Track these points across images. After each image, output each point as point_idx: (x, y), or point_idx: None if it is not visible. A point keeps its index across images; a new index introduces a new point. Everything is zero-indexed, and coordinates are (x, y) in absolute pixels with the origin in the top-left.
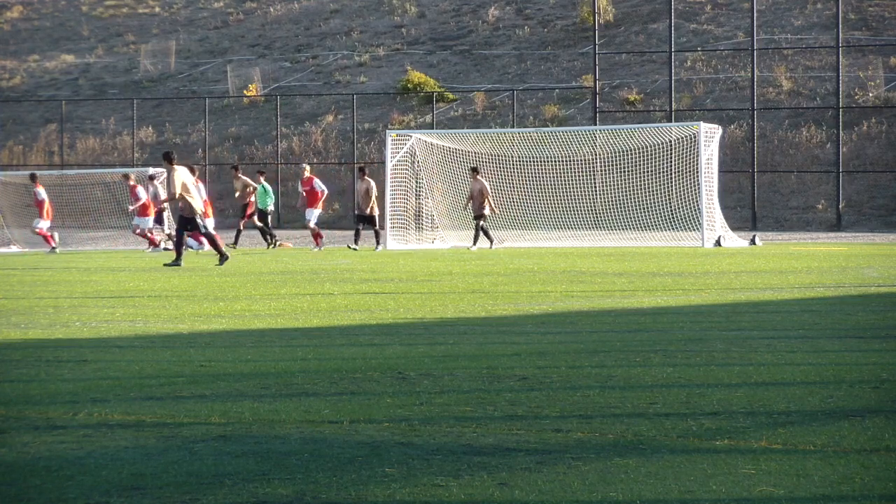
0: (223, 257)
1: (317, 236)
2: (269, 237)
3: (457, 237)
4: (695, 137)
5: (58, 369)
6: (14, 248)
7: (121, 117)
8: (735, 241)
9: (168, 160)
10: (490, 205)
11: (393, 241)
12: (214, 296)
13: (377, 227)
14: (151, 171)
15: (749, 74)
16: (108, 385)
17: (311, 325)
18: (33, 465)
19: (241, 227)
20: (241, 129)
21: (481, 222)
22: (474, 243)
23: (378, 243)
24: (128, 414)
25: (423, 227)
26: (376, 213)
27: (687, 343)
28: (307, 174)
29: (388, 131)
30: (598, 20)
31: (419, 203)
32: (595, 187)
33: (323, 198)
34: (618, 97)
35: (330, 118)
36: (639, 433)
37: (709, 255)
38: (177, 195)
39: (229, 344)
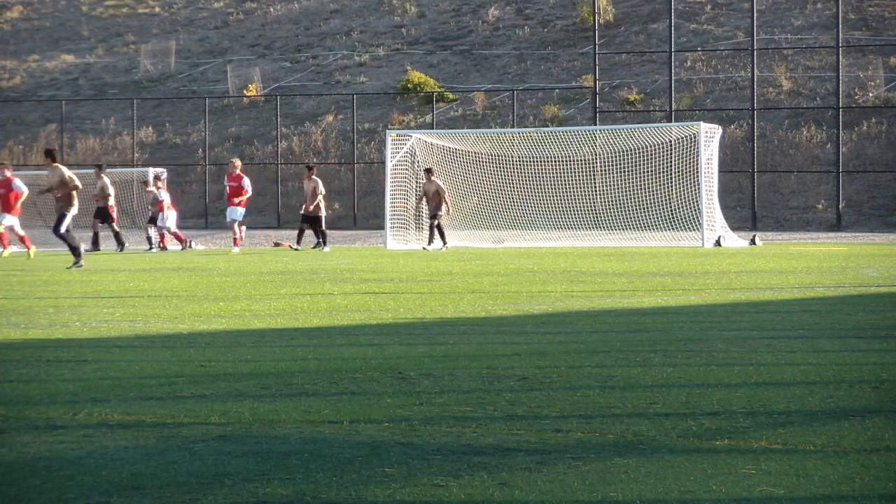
0: (77, 261)
1: (236, 238)
2: (316, 236)
3: (457, 237)
4: (695, 137)
5: (58, 369)
6: (14, 249)
7: (121, 117)
8: (735, 241)
9: (52, 157)
10: (447, 205)
11: (393, 241)
12: (214, 296)
13: (322, 227)
14: (153, 171)
15: (749, 74)
16: (108, 385)
17: (311, 325)
18: (33, 465)
19: (117, 229)
20: (241, 129)
21: (436, 222)
22: (429, 243)
23: (324, 244)
24: (128, 414)
25: (424, 227)
26: (321, 213)
27: (687, 343)
28: (238, 171)
29: (388, 131)
30: (598, 20)
31: (419, 203)
32: (595, 187)
33: (246, 196)
34: (618, 97)
35: (330, 118)
36: (639, 433)
37: (709, 255)
38: (80, 185)
39: (229, 344)
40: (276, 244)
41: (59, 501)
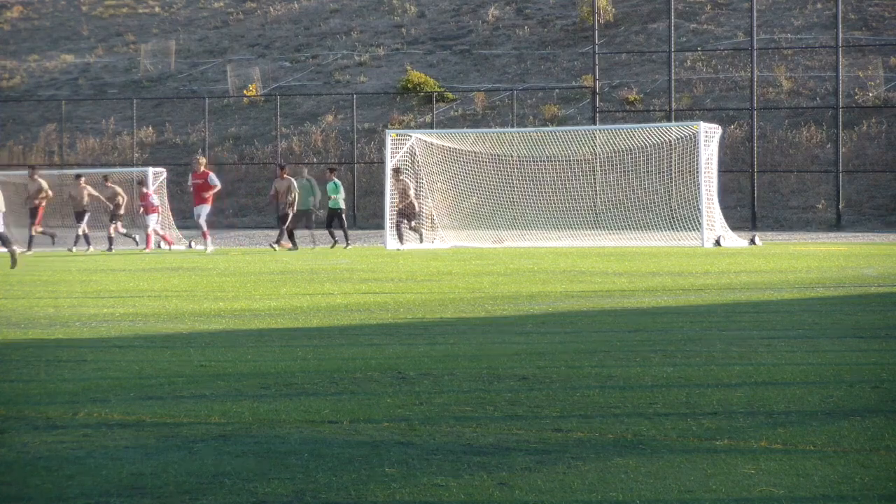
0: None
1: (205, 234)
2: (342, 235)
3: (456, 237)
4: (694, 137)
5: (58, 369)
6: (14, 249)
7: (121, 117)
8: (735, 240)
9: None
10: (411, 201)
11: (393, 240)
12: (214, 296)
13: (284, 225)
14: (153, 171)
15: (749, 74)
16: (108, 385)
17: (311, 325)
18: (33, 465)
19: (34, 233)
20: (241, 128)
21: (413, 222)
22: (421, 241)
23: (278, 243)
24: (127, 414)
25: (423, 227)
26: (290, 212)
27: (687, 343)
28: (202, 168)
29: (387, 131)
30: (598, 20)
31: (419, 203)
32: (595, 187)
33: (213, 192)
34: (617, 97)
35: (330, 118)
36: (639, 433)
37: (708, 254)
38: None
39: (229, 344)
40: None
41: (59, 501)
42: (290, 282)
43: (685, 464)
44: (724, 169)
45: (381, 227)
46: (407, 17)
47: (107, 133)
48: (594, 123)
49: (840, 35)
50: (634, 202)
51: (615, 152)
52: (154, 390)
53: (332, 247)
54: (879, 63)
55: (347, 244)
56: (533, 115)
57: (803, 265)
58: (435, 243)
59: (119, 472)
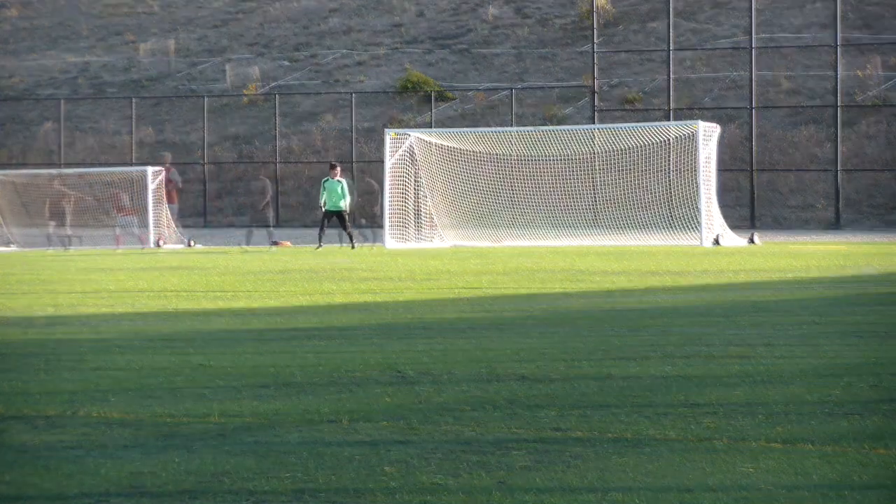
0: None
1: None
2: (348, 236)
3: (456, 236)
4: (694, 136)
5: (58, 369)
6: (14, 248)
7: (120, 116)
8: (733, 239)
9: None
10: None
11: (392, 240)
12: (214, 295)
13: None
14: (151, 170)
15: (748, 73)
16: (108, 384)
17: (311, 325)
18: (33, 464)
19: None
20: (241, 128)
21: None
22: (352, 242)
23: (275, 243)
24: (127, 413)
25: (423, 226)
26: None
27: (686, 342)
28: (167, 164)
29: (387, 130)
30: (597, 19)
31: (418, 202)
32: (594, 186)
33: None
34: (617, 96)
35: (329, 117)
36: (638, 432)
37: (707, 254)
38: None
39: (229, 343)
40: (275, 243)
41: (59, 500)
42: (289, 281)
43: (685, 463)
44: (722, 168)
45: (379, 226)
46: (406, 16)
47: (106, 132)
48: (593, 122)
49: (839, 34)
50: (633, 201)
51: (614, 151)
52: (154, 390)
53: (350, 246)
54: (878, 62)
55: (349, 245)
56: (532, 115)
57: (802, 264)
58: (434, 242)
59: (118, 471)
